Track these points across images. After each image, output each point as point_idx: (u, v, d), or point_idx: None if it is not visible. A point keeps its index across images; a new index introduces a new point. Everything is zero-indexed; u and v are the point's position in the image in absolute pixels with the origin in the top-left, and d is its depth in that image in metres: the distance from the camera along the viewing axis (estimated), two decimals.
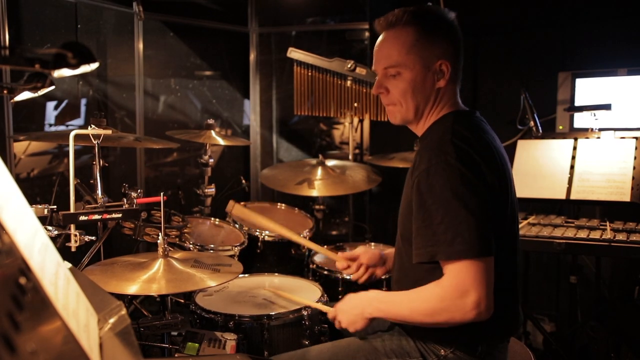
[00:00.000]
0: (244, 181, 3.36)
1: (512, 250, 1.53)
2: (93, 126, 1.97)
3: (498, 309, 1.42)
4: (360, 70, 3.17)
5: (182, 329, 1.88)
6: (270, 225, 1.91)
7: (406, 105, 1.55)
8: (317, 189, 3.04)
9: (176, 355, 1.78)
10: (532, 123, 2.80)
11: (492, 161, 1.46)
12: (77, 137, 1.80)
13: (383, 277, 1.91)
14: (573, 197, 2.64)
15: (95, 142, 1.96)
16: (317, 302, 1.99)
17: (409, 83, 1.52)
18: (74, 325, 0.75)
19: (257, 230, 2.70)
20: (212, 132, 2.77)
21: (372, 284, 1.92)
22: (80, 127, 1.90)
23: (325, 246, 2.80)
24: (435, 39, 1.52)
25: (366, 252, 1.86)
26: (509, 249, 1.51)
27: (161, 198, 1.86)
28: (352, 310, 1.57)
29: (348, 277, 2.35)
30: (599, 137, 2.76)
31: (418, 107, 1.55)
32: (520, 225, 2.35)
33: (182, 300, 2.31)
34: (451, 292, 1.37)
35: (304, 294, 2.12)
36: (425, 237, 1.41)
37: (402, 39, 1.52)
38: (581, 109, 2.92)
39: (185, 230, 2.18)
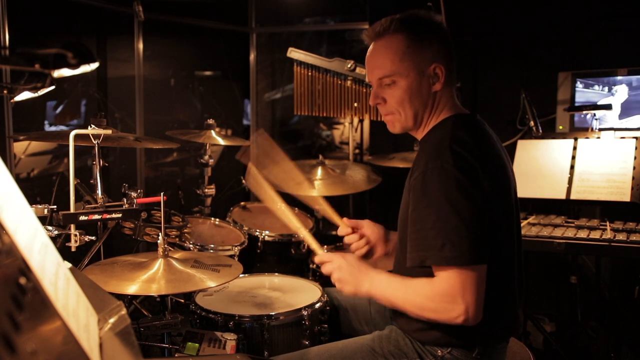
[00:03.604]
0: (244, 181, 3.35)
1: (512, 253, 1.52)
2: (93, 126, 1.97)
3: (497, 310, 1.42)
4: (360, 70, 3.17)
5: (182, 329, 1.87)
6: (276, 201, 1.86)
7: (405, 113, 1.55)
8: (317, 189, 3.03)
9: (176, 355, 1.78)
10: (532, 123, 2.80)
11: (491, 165, 1.46)
12: (77, 137, 1.80)
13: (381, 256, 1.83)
14: (573, 197, 2.64)
15: (95, 142, 1.96)
16: (317, 302, 1.99)
17: (405, 90, 1.52)
18: (74, 325, 0.75)
19: (257, 230, 2.70)
20: (212, 132, 2.77)
21: None
22: (80, 127, 1.90)
23: (325, 246, 2.81)
24: (425, 43, 1.51)
25: (371, 225, 1.82)
26: (508, 252, 1.50)
27: (161, 198, 1.86)
28: (350, 273, 1.53)
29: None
30: (599, 137, 2.76)
31: (417, 113, 1.55)
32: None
33: (182, 300, 2.31)
34: (440, 296, 1.37)
35: (304, 293, 2.12)
36: (416, 241, 1.41)
37: (394, 47, 1.51)
38: (581, 109, 2.92)
39: (185, 230, 2.18)
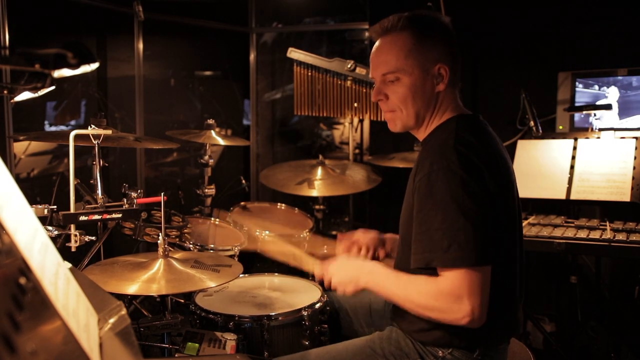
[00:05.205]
0: (244, 181, 3.36)
1: (514, 254, 1.52)
2: (93, 126, 1.97)
3: (497, 311, 1.42)
4: (360, 70, 3.17)
5: (182, 329, 1.87)
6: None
7: (406, 111, 1.54)
8: (317, 189, 3.03)
9: (176, 355, 1.77)
10: (532, 123, 2.80)
11: (495, 166, 1.46)
12: (77, 137, 1.80)
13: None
14: (573, 197, 2.64)
15: (95, 142, 1.96)
16: (317, 302, 1.99)
17: (408, 88, 1.52)
18: (74, 325, 0.74)
19: (257, 230, 2.70)
20: (212, 132, 2.77)
21: None
22: (80, 127, 1.90)
23: (325, 246, 2.80)
24: (432, 42, 1.52)
25: (364, 234, 1.86)
26: (509, 252, 1.50)
27: (161, 198, 1.86)
28: (346, 273, 1.56)
29: None
30: (599, 137, 2.76)
31: (418, 112, 1.54)
32: None
33: (182, 301, 2.31)
34: (446, 295, 1.36)
35: (304, 294, 2.12)
36: (422, 243, 1.40)
37: (400, 44, 1.51)
38: (581, 109, 2.92)
39: (185, 230, 2.18)
